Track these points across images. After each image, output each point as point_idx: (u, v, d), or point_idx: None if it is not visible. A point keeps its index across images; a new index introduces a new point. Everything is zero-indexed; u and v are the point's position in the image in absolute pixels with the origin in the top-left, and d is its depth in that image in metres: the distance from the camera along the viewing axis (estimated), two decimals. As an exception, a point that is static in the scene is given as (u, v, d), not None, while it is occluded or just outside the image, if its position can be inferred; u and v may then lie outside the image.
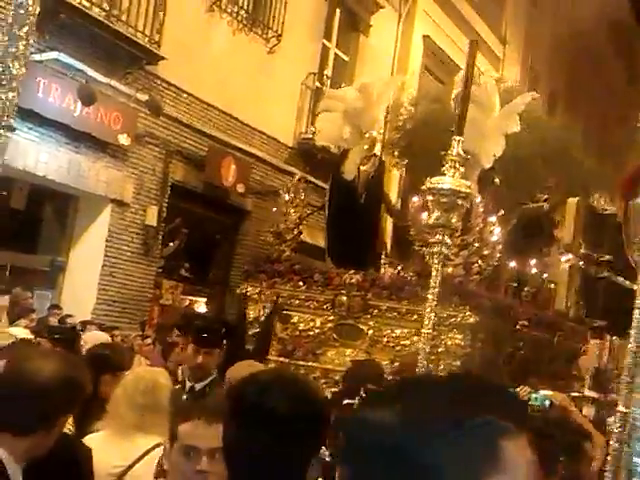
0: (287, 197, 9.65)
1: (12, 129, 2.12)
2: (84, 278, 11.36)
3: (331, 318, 8.95)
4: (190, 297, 13.69)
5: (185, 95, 12.56)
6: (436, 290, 3.60)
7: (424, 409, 1.01)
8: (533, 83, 22.39)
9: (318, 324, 8.98)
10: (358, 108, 9.32)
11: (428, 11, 17.91)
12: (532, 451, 1.06)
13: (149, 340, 9.57)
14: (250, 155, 13.67)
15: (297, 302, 9.13)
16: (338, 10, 15.80)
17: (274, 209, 9.89)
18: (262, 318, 9.01)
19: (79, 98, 10.32)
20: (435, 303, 3.67)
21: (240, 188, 13.21)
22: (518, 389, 5.96)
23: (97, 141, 11.11)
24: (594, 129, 22.77)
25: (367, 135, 9.51)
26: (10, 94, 2.09)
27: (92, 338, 7.78)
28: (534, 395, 5.72)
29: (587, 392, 7.80)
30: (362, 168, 9.53)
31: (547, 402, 5.60)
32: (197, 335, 5.02)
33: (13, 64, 2.15)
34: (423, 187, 3.68)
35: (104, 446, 3.24)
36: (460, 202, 3.61)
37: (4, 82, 2.09)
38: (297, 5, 14.32)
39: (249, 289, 9.43)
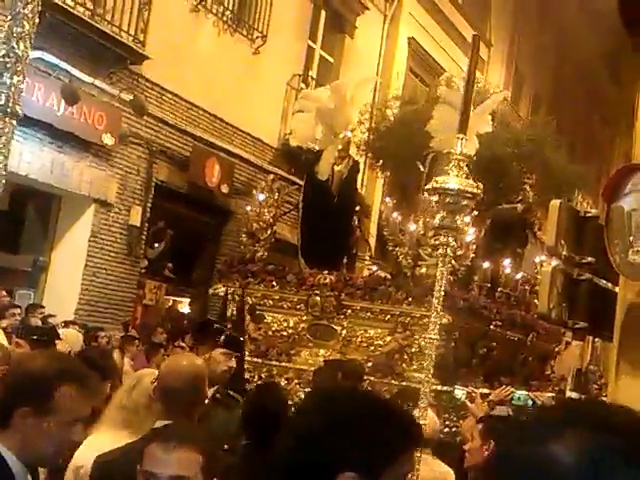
0: (261, 197, 9.60)
1: (18, 116, 1.97)
2: (66, 278, 11.30)
3: (305, 318, 8.91)
4: (173, 297, 13.65)
5: (169, 95, 12.52)
6: (440, 294, 3.56)
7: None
8: (517, 85, 22.49)
9: (292, 324, 8.94)
10: (330, 108, 9.32)
11: (413, 13, 17.93)
12: None
13: (137, 342, 9.53)
14: (234, 156, 13.65)
15: (270, 302, 9.09)
16: (323, 12, 15.82)
17: (248, 208, 9.80)
18: (233, 317, 8.96)
19: (63, 97, 10.27)
20: (440, 307, 3.63)
21: (224, 189, 13.19)
22: (500, 389, 6.00)
23: (81, 141, 11.06)
24: (578, 132, 22.90)
25: (341, 136, 9.50)
26: (15, 78, 1.92)
27: (69, 335, 7.76)
28: (517, 394, 5.77)
29: (569, 393, 7.85)
30: (336, 168, 9.51)
31: (530, 402, 5.65)
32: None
33: (18, 45, 1.99)
34: (428, 187, 3.64)
35: (94, 444, 3.25)
36: (466, 202, 3.56)
37: (9, 65, 1.90)
38: (282, 6, 14.31)
39: (222, 289, 9.40)
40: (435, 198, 3.60)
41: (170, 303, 13.59)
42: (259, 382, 7.77)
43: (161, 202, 12.51)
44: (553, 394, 7.58)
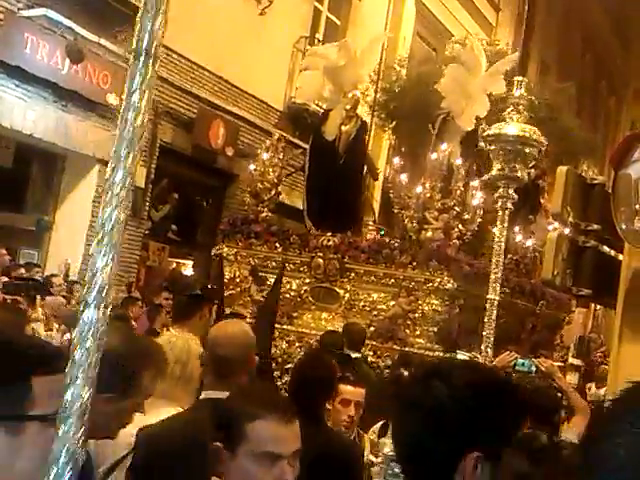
0: (265, 156, 9.46)
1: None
2: (70, 238, 11.31)
3: (307, 281, 8.82)
4: (177, 260, 13.67)
5: (175, 55, 12.41)
6: (501, 254, 3.29)
7: None
8: (525, 51, 22.26)
9: (294, 287, 8.85)
10: (339, 66, 9.15)
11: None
12: None
13: (139, 303, 9.54)
14: (239, 118, 13.57)
15: (273, 264, 8.98)
16: (331, -28, 15.62)
17: (252, 167, 9.66)
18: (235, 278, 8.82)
19: (67, 56, 10.19)
20: (499, 269, 3.39)
21: (229, 151, 13.13)
22: (505, 354, 6.01)
23: (85, 100, 10.99)
24: (585, 98, 22.72)
25: (350, 95, 9.31)
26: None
27: (52, 302, 7.78)
28: (520, 360, 5.76)
29: (571, 360, 7.88)
30: (343, 128, 9.33)
31: (533, 368, 5.65)
32: None
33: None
34: (485, 133, 3.34)
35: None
36: (528, 150, 3.22)
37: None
38: (290, -33, 14.14)
39: (225, 250, 9.32)
40: (492, 147, 3.27)
41: (173, 265, 13.61)
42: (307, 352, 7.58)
43: (165, 163, 12.46)
44: (559, 362, 7.59)
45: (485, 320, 3.21)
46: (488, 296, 3.42)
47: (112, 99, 11.22)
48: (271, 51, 13.92)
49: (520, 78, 3.29)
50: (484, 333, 3.31)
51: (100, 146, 11.26)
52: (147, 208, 12.26)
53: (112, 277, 1.37)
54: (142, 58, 1.44)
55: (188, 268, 13.60)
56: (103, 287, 1.34)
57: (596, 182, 5.82)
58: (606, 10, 23.91)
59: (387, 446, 3.68)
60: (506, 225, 3.20)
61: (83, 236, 11.28)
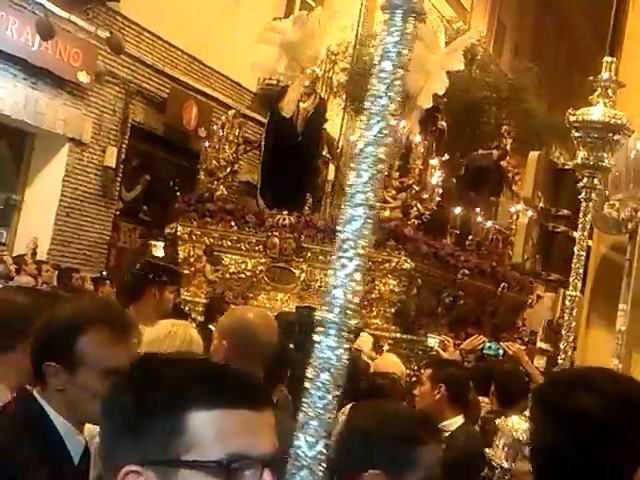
0: (221, 133, 9.24)
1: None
2: (40, 218, 11.16)
3: (263, 261, 8.68)
4: (148, 240, 13.54)
5: (147, 34, 12.27)
6: (584, 247, 3.01)
7: None
8: (500, 36, 22.32)
9: (250, 267, 8.71)
10: (295, 41, 8.98)
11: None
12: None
13: (108, 283, 9.44)
14: (212, 99, 13.46)
15: (228, 243, 8.85)
16: (307, -46, 15.49)
17: (206, 144, 9.40)
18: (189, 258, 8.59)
19: (38, 32, 10.02)
20: (580, 264, 3.06)
21: (201, 132, 13.01)
22: (472, 338, 6.04)
23: (56, 77, 10.83)
24: (558, 86, 22.83)
25: (308, 71, 9.16)
26: None
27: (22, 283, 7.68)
28: (488, 344, 5.80)
29: (539, 344, 7.93)
30: (301, 105, 9.20)
31: (501, 351, 5.69)
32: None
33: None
34: (570, 118, 3.07)
35: None
36: (616, 137, 2.99)
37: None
38: (265, -53, 14.01)
39: (179, 229, 9.16)
40: (577, 134, 3.02)
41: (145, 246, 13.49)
42: None
43: (137, 143, 12.34)
44: (524, 346, 7.62)
45: (565, 317, 2.93)
46: (569, 292, 3.16)
47: (83, 77, 11.08)
48: (245, 32, 13.78)
49: (609, 59, 3.05)
50: (563, 332, 3.06)
51: (70, 125, 11.13)
52: (118, 188, 12.16)
53: (357, 295, 1.13)
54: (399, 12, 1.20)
55: (159, 249, 13.48)
56: (344, 308, 1.11)
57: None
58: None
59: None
60: (587, 220, 3.00)
61: (52, 215, 11.15)
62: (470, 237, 10.07)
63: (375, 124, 1.19)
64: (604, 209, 4.67)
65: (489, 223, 10.50)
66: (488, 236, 10.50)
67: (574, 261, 3.07)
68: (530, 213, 6.57)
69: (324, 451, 1.09)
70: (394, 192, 8.29)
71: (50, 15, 10.31)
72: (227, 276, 8.77)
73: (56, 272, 9.19)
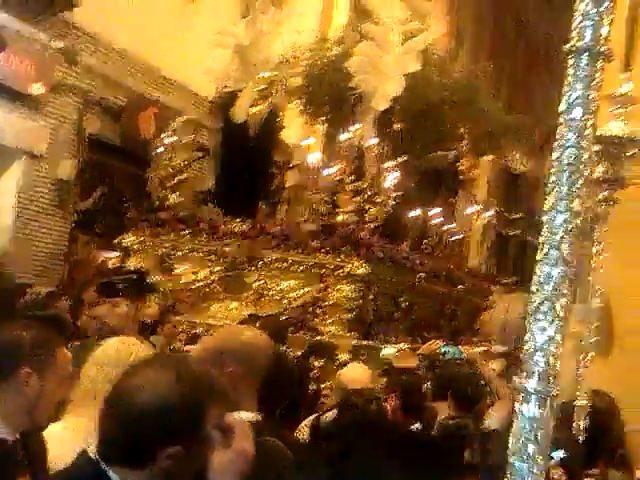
0: (172, 139, 9.08)
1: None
2: (-5, 232, 10.99)
3: (216, 269, 8.55)
4: (105, 253, 13.37)
5: (102, 44, 12.15)
6: (599, 266, 2.99)
7: None
8: (459, 40, 22.44)
9: (202, 276, 8.58)
10: (247, 44, 8.85)
11: (355, -36, 17.64)
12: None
13: (63, 298, 9.28)
14: (170, 108, 13.34)
15: (181, 253, 8.70)
16: (263, -40, 15.45)
17: (158, 150, 9.23)
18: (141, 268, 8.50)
19: (-12, 44, 9.87)
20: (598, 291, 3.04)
21: (158, 141, 12.90)
22: (430, 342, 6.02)
23: (9, 89, 10.67)
24: (518, 89, 23.01)
25: (260, 75, 9.05)
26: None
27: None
28: (444, 349, 5.80)
29: (495, 346, 7.92)
30: (254, 110, 9.10)
31: (458, 354, 5.69)
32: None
33: None
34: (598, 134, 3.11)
35: (75, 436, 2.72)
36: (635, 151, 3.07)
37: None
38: (219, -47, 13.93)
39: (131, 238, 8.97)
40: (596, 148, 3.09)
41: (102, 259, 13.32)
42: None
43: (93, 154, 12.20)
44: (481, 348, 7.61)
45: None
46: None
47: (37, 89, 10.92)
48: (202, 39, 13.69)
49: (626, 74, 3.06)
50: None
51: (25, 137, 10.97)
52: (74, 201, 12.01)
53: (558, 359, 1.04)
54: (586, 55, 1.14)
55: (114, 260, 13.31)
56: (545, 375, 1.03)
57: (521, 171, 5.86)
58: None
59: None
60: (605, 229, 3.02)
61: (7, 229, 10.97)
62: (427, 240, 9.99)
63: (568, 177, 1.12)
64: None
65: (448, 226, 10.44)
66: (445, 239, 10.42)
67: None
68: (485, 215, 6.57)
69: None
70: (348, 196, 8.21)
71: (1, 27, 10.16)
72: (179, 286, 8.61)
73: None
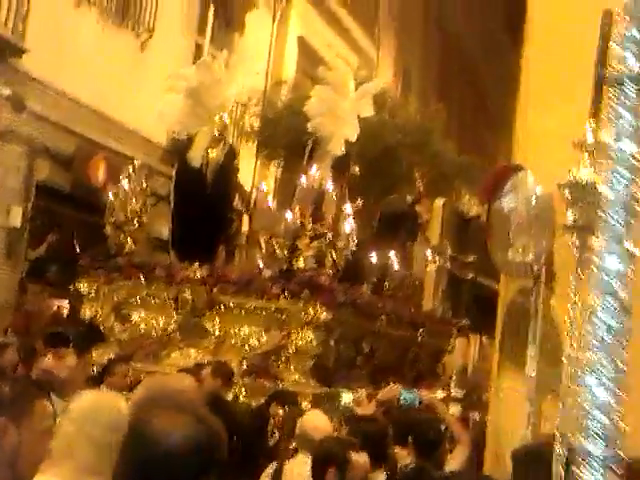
0: (127, 185, 9.02)
1: None
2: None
3: (175, 317, 8.43)
4: (58, 301, 13.14)
5: (51, 91, 12.06)
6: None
7: None
8: (406, 85, 22.84)
9: (161, 324, 8.45)
10: (200, 87, 8.87)
11: (303, 12, 17.93)
12: None
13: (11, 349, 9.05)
14: (121, 154, 13.27)
15: (138, 300, 8.56)
16: (212, 7, 15.62)
17: (111, 197, 9.09)
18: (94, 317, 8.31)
19: None
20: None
21: (111, 188, 12.79)
22: (388, 388, 6.01)
23: None
24: (466, 133, 23.45)
25: (216, 118, 9.03)
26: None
27: None
28: (404, 394, 5.78)
29: (453, 391, 7.94)
30: (210, 154, 9.07)
31: (417, 401, 5.68)
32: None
33: None
34: (559, 182, 3.16)
35: None
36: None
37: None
38: (170, 0, 14.04)
39: (84, 286, 8.86)
40: (566, 192, 3.14)
41: (55, 307, 13.08)
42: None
43: (43, 202, 12.04)
44: (443, 393, 7.59)
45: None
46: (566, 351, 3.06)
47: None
48: (153, 84, 13.71)
49: (591, 121, 3.10)
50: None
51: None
52: (24, 249, 11.82)
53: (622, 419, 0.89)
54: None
55: (65, 309, 13.09)
56: (612, 438, 0.90)
57: (472, 215, 5.92)
58: (481, 46, 24.88)
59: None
60: (582, 278, 3.03)
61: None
62: (387, 283, 10.00)
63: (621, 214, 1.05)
64: (508, 254, 4.73)
65: (407, 270, 10.50)
66: (405, 282, 10.46)
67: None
68: (438, 259, 6.63)
69: None
70: (307, 241, 8.18)
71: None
72: (136, 335, 8.47)
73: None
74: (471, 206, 9.29)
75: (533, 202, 4.74)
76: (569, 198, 3.05)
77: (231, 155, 9.47)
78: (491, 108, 26.15)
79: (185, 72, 9.96)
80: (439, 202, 6.34)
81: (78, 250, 11.06)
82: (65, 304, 13.01)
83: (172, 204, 9.32)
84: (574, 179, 3.01)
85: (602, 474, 0.88)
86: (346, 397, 6.86)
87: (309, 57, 18.31)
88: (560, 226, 3.86)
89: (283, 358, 7.87)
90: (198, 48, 15.44)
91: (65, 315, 12.51)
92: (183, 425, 1.77)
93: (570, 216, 3.03)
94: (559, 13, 4.40)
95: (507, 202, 4.75)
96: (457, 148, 14.88)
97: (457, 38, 24.13)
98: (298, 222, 8.04)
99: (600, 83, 3.19)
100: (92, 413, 2.70)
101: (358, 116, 9.19)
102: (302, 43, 17.98)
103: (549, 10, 4.57)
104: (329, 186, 8.59)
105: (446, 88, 24.04)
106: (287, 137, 11.81)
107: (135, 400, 2.82)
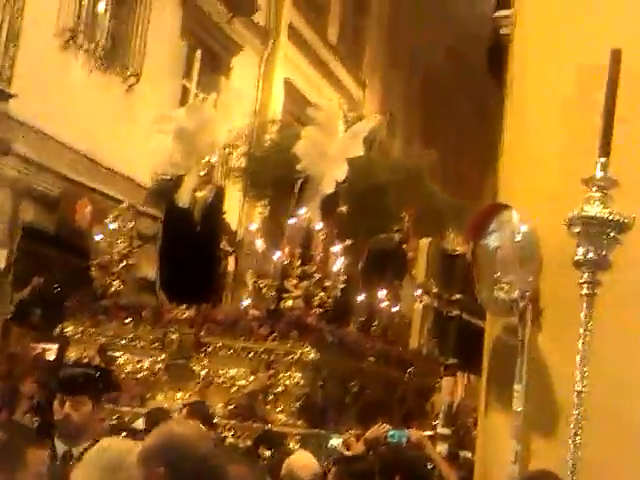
0: (113, 226, 9.06)
1: None
2: None
3: (161, 358, 8.40)
4: (43, 344, 13.03)
5: (37, 134, 12.11)
6: (586, 346, 2.94)
7: None
8: (391, 125, 23.05)
9: (147, 365, 8.42)
10: (189, 129, 8.95)
11: (289, 55, 18.14)
12: None
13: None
14: (107, 197, 13.29)
15: (123, 342, 8.54)
16: (198, 51, 15.77)
17: (97, 238, 9.14)
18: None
19: None
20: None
21: (97, 230, 12.78)
22: (376, 427, 5.97)
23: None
24: (449, 172, 23.64)
25: (204, 160, 9.09)
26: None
27: None
28: (392, 432, 5.75)
29: (440, 429, 7.90)
30: (198, 195, 9.13)
31: (404, 439, 5.64)
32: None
33: None
34: (570, 215, 3.16)
35: None
36: (613, 234, 3.10)
37: None
38: (156, 44, 14.17)
39: (70, 328, 8.81)
40: (577, 230, 3.14)
41: (39, 350, 12.96)
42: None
43: (28, 244, 12.00)
44: (431, 432, 7.54)
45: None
46: (576, 387, 3.04)
47: None
48: (138, 128, 13.78)
49: (603, 160, 3.13)
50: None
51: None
52: (10, 292, 11.74)
53: None
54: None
55: (54, 353, 12.97)
56: None
57: (458, 253, 5.94)
58: (465, 87, 25.18)
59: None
60: (592, 312, 3.01)
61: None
62: (375, 323, 10.00)
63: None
64: (494, 292, 4.73)
65: (395, 308, 10.47)
66: (393, 321, 10.45)
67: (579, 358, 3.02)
68: (424, 297, 6.64)
69: None
70: (296, 281, 8.18)
71: None
72: (122, 377, 8.39)
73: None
74: (456, 244, 9.31)
75: (518, 238, 4.78)
76: (579, 233, 3.06)
77: (219, 195, 9.50)
78: (477, 149, 26.40)
79: (174, 114, 10.03)
80: (425, 241, 6.37)
81: (60, 292, 10.96)
82: (50, 347, 12.91)
83: (160, 245, 9.30)
84: (584, 214, 3.02)
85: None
86: (335, 441, 6.78)
87: (295, 99, 18.49)
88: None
89: (270, 398, 7.81)
90: (185, 91, 15.56)
91: (51, 359, 12.41)
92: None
93: (580, 251, 3.03)
94: (541, 54, 4.47)
95: (492, 240, 4.77)
96: (442, 187, 14.98)
97: (440, 78, 24.44)
98: (286, 262, 8.05)
99: (609, 119, 3.19)
100: (94, 456, 2.74)
101: (348, 156, 9.25)
102: (288, 85, 18.16)
103: (532, 50, 4.64)
104: (317, 226, 8.60)
105: (430, 129, 24.30)
106: (275, 174, 11.83)
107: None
